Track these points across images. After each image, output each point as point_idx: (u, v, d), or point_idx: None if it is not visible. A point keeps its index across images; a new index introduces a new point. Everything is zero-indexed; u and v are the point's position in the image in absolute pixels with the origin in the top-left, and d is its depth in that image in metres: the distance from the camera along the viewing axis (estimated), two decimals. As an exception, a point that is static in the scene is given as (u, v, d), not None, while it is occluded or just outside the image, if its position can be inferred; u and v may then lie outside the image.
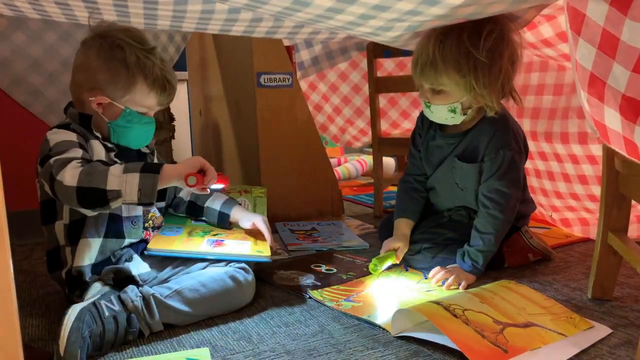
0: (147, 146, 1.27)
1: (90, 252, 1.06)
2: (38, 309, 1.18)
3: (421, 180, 1.47)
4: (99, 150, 1.09)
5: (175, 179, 1.00)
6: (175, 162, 2.50)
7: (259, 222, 1.27)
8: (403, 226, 1.42)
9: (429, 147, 1.42)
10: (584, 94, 0.64)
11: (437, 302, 0.99)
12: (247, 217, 1.29)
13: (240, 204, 1.35)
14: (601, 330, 0.98)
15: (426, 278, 1.30)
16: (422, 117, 1.43)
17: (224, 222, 1.30)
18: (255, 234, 1.28)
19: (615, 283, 1.14)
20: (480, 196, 1.30)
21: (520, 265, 1.38)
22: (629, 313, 1.07)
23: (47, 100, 1.72)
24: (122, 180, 0.94)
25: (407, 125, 2.14)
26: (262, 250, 1.19)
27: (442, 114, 1.27)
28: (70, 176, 0.93)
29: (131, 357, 0.93)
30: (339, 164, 2.82)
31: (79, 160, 0.97)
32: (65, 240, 1.08)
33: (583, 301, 1.15)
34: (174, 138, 2.46)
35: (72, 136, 1.05)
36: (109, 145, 1.13)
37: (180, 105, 3.12)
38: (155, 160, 1.28)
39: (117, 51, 1.09)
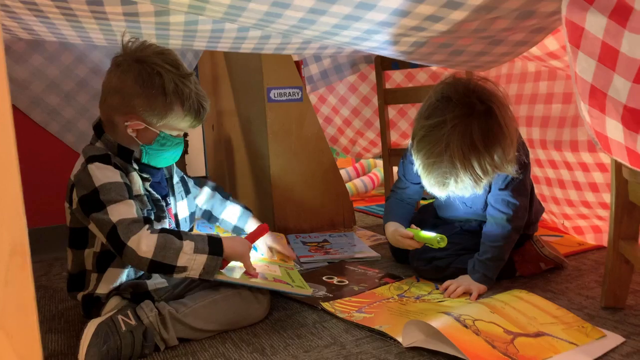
0: None
1: (116, 281, 1.09)
2: (57, 324, 1.21)
3: (410, 194, 1.48)
4: (137, 184, 1.12)
5: (229, 255, 1.10)
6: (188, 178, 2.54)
7: (275, 244, 1.36)
8: (393, 225, 1.40)
9: None
10: (585, 106, 0.65)
11: (447, 313, 1.00)
12: (264, 245, 1.37)
13: (253, 216, 1.41)
14: (614, 339, 0.98)
15: (437, 289, 1.31)
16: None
17: (238, 234, 1.36)
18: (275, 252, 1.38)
19: (628, 291, 1.14)
20: (488, 207, 1.31)
21: (533, 274, 1.38)
22: (642, 321, 1.07)
23: (64, 120, 1.77)
24: (191, 259, 1.02)
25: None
26: (302, 286, 1.21)
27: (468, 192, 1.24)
28: (146, 247, 1.00)
29: (147, 371, 0.95)
30: (358, 175, 2.83)
31: (147, 227, 1.02)
32: (93, 267, 1.11)
33: (596, 310, 1.14)
34: (187, 153, 2.49)
35: (116, 175, 1.07)
36: (145, 176, 1.15)
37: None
38: (174, 171, 1.29)
39: (156, 78, 1.08)
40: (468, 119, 1.12)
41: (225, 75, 2.31)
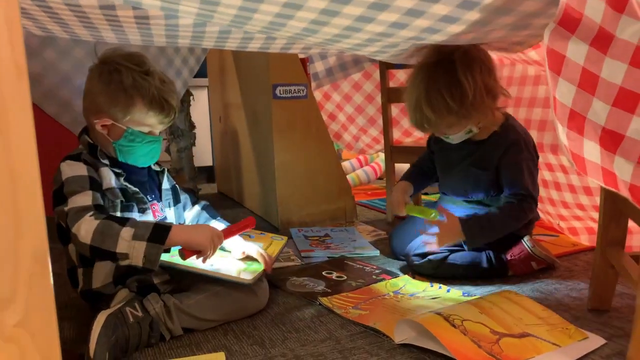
0: (157, 164, 1.32)
1: (104, 274, 1.13)
2: (69, 312, 1.27)
3: (426, 160, 1.64)
4: (108, 177, 1.15)
5: (180, 244, 1.09)
6: (195, 169, 2.60)
7: (253, 252, 1.27)
8: (403, 185, 1.59)
9: (443, 153, 1.54)
10: (564, 129, 0.70)
11: (438, 313, 1.05)
12: (239, 247, 1.28)
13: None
14: (595, 341, 1.03)
15: (432, 286, 1.37)
16: None
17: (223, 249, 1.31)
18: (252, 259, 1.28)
19: (613, 294, 1.19)
20: (503, 200, 1.42)
21: (525, 273, 1.43)
22: (625, 324, 1.11)
23: (75, 112, 1.82)
24: (130, 246, 1.02)
25: (419, 134, 2.19)
26: (245, 272, 1.19)
27: (461, 137, 1.42)
28: (84, 232, 1.01)
29: (153, 360, 1.01)
30: (361, 166, 2.89)
31: (92, 213, 1.03)
32: (78, 262, 1.15)
33: (582, 311, 1.19)
34: (194, 145, 2.55)
35: (83, 170, 1.12)
36: (117, 170, 1.18)
37: (201, 110, 3.23)
38: (165, 178, 1.33)
39: (115, 74, 1.15)
40: (437, 63, 1.30)
41: (232, 69, 2.35)
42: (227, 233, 1.23)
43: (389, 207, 1.50)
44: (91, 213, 1.04)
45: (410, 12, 0.91)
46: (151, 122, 1.20)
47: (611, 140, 0.72)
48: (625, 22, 0.70)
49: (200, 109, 3.22)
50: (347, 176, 2.66)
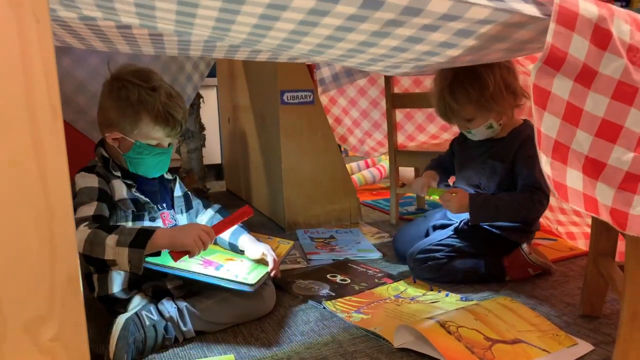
0: (169, 172, 1.39)
1: (118, 280, 1.20)
2: (88, 312, 1.33)
3: (449, 166, 1.72)
4: (120, 189, 1.23)
5: (165, 247, 1.12)
6: (205, 169, 2.67)
7: (267, 252, 1.31)
8: (431, 173, 1.68)
9: (464, 147, 1.63)
10: (547, 160, 0.75)
11: (435, 319, 1.12)
12: (254, 248, 1.32)
13: (248, 232, 1.39)
14: (583, 347, 1.09)
15: (432, 290, 1.43)
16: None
17: (236, 251, 1.38)
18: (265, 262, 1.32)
19: (603, 302, 1.24)
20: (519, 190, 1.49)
21: (521, 279, 1.48)
22: (614, 331, 1.16)
23: (91, 118, 1.89)
24: (115, 252, 1.07)
25: (423, 138, 2.25)
26: (247, 278, 1.20)
27: (482, 132, 1.50)
28: (77, 241, 1.05)
29: (168, 361, 1.09)
30: (367, 167, 2.96)
31: (86, 223, 1.09)
32: (93, 268, 1.21)
33: (574, 317, 1.25)
34: (204, 146, 2.62)
35: (94, 181, 1.19)
36: (128, 182, 1.25)
37: (210, 108, 3.29)
38: (177, 186, 1.39)
39: (123, 91, 1.22)
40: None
41: (242, 73, 2.41)
42: (221, 226, 1.24)
43: (415, 186, 1.60)
44: (86, 223, 1.10)
45: (410, 39, 0.96)
46: (158, 135, 1.26)
47: (594, 168, 0.77)
48: (608, 59, 0.76)
49: (209, 107, 3.28)
50: (354, 176, 2.72)
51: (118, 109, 1.23)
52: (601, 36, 0.75)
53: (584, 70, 0.75)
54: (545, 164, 0.75)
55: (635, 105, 0.76)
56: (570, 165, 0.76)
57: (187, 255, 1.14)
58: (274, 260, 1.30)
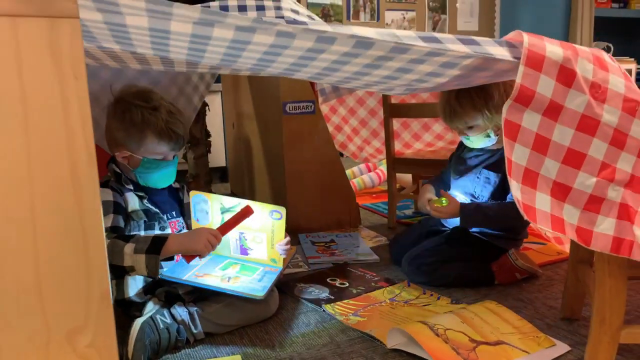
0: (177, 181, 1.49)
1: (133, 285, 1.30)
2: (104, 315, 1.45)
3: (447, 182, 1.80)
4: (132, 201, 1.34)
5: (177, 252, 1.26)
6: (210, 174, 2.77)
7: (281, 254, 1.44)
8: (427, 187, 1.75)
9: (461, 158, 1.71)
10: (518, 185, 0.85)
11: (424, 322, 1.22)
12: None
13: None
14: (561, 348, 1.19)
15: (424, 293, 1.53)
16: (460, 142, 1.74)
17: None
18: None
19: (582, 305, 1.34)
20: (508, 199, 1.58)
21: (509, 282, 1.58)
22: (590, 332, 1.27)
23: (102, 129, 1.99)
24: (133, 259, 1.18)
25: (419, 146, 2.35)
26: (258, 288, 1.31)
27: (479, 140, 1.59)
28: None
29: (181, 361, 1.19)
30: (369, 171, 3.06)
31: (105, 235, 1.20)
32: (110, 274, 1.33)
33: (555, 320, 1.35)
34: (210, 152, 2.71)
35: (109, 195, 1.29)
36: (140, 194, 1.36)
37: (215, 113, 3.39)
38: (185, 193, 1.50)
39: (127, 113, 1.32)
40: None
41: (246, 83, 2.51)
42: (225, 228, 1.35)
43: (420, 205, 1.71)
44: (104, 234, 1.20)
45: (400, 69, 1.06)
46: (163, 150, 1.37)
47: (561, 191, 0.87)
48: (573, 95, 0.85)
49: (214, 111, 3.38)
50: (353, 180, 2.82)
51: (124, 130, 1.34)
52: (566, 75, 0.84)
53: (551, 105, 0.84)
54: (516, 189, 0.84)
55: (598, 136, 0.86)
56: (539, 189, 0.85)
57: (198, 257, 1.28)
58: (288, 251, 1.44)
